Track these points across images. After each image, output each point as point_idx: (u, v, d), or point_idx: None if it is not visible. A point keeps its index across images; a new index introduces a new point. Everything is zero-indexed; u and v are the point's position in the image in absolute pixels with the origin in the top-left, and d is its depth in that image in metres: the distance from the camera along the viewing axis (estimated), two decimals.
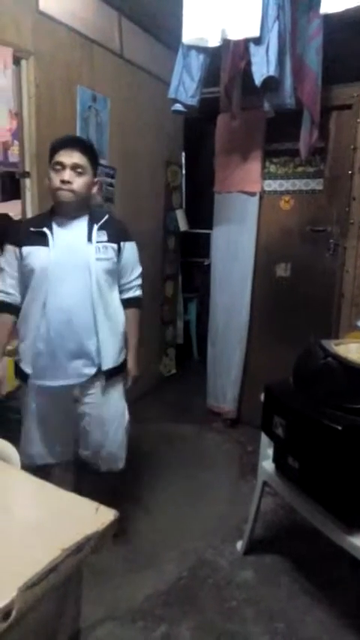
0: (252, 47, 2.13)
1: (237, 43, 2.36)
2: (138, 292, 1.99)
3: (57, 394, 1.85)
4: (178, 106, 2.45)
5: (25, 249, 1.78)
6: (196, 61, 2.33)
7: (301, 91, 2.53)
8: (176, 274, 4.30)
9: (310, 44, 2.55)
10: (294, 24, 2.36)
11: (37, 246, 1.76)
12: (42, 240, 1.76)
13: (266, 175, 3.17)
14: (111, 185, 3.24)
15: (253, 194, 3.13)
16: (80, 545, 0.80)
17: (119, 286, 1.93)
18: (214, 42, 2.20)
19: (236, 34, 2.13)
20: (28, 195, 2.57)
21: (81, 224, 1.81)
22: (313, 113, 2.63)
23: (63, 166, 1.74)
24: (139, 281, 1.99)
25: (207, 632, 1.69)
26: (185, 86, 2.32)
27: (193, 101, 2.38)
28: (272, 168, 3.17)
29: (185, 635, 1.68)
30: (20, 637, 0.73)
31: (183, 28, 2.21)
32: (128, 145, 3.35)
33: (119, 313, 1.92)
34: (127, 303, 1.95)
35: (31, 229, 1.80)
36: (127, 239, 1.90)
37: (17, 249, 1.80)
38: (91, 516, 0.87)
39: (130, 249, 1.91)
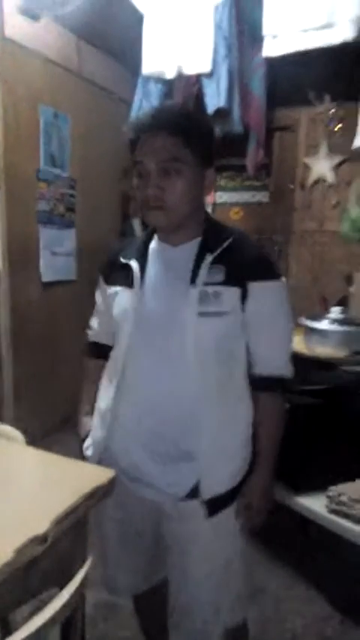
0: (204, 80, 2.43)
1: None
2: (282, 369, 1.19)
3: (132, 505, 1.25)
4: None
5: (111, 290, 1.25)
6: (155, 90, 2.60)
7: (248, 116, 2.85)
8: None
9: (255, 74, 2.88)
10: (241, 57, 2.68)
11: (120, 286, 1.21)
12: (126, 277, 1.19)
13: (217, 188, 3.48)
14: (72, 196, 3.44)
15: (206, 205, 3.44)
16: (92, 493, 1.04)
17: (249, 357, 1.18)
18: (170, 74, 2.48)
19: (191, 69, 2.41)
20: None
21: (185, 253, 1.15)
22: (258, 135, 2.96)
23: (146, 170, 1.10)
24: (286, 353, 1.21)
25: None
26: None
27: None
28: (222, 182, 3.50)
29: None
30: (51, 560, 0.96)
31: (142, 61, 2.47)
32: (88, 157, 3.57)
33: (242, 406, 1.19)
34: (260, 384, 1.19)
35: (121, 259, 1.22)
36: (259, 277, 1.13)
37: (103, 283, 1.31)
38: (98, 473, 1.11)
39: (263, 294, 1.13)
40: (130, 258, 1.20)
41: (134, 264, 1.18)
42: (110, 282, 1.25)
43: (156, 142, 1.07)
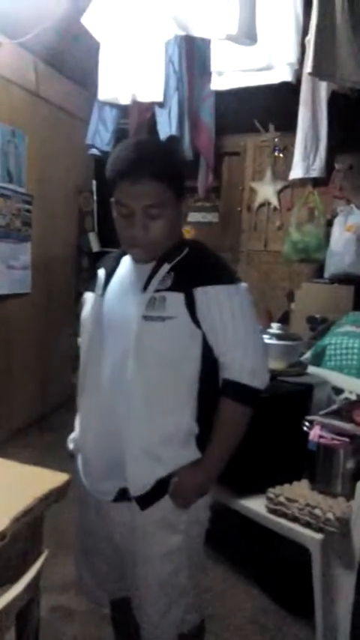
0: (157, 109, 2.59)
1: None
2: (244, 377, 1.18)
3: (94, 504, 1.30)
4: (94, 151, 2.85)
5: (85, 296, 1.33)
6: (110, 114, 2.74)
7: (198, 141, 3.04)
8: None
9: (204, 103, 3.07)
10: (190, 87, 2.86)
11: (91, 292, 1.30)
12: (95, 284, 1.28)
13: None
14: (28, 211, 3.52)
15: None
16: (47, 495, 1.14)
17: (218, 360, 1.20)
18: (125, 101, 2.62)
19: (144, 97, 2.57)
20: None
21: (149, 264, 1.21)
22: (208, 159, 3.15)
23: (129, 211, 1.15)
24: (252, 361, 1.18)
25: None
26: (101, 135, 2.72)
27: (108, 148, 2.80)
28: None
29: None
30: (8, 556, 1.06)
31: (98, 87, 2.60)
32: (44, 174, 3.66)
33: (180, 407, 1.20)
34: (223, 389, 1.20)
35: (99, 267, 1.32)
36: (207, 282, 1.15)
37: (86, 290, 1.36)
38: (52, 477, 1.22)
39: (211, 299, 1.15)
40: (101, 268, 1.29)
41: (101, 272, 1.27)
42: (87, 289, 1.32)
43: (139, 187, 1.11)
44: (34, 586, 1.02)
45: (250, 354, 1.18)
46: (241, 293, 1.19)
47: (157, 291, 1.15)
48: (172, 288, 1.14)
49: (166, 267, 1.17)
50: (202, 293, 1.14)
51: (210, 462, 1.21)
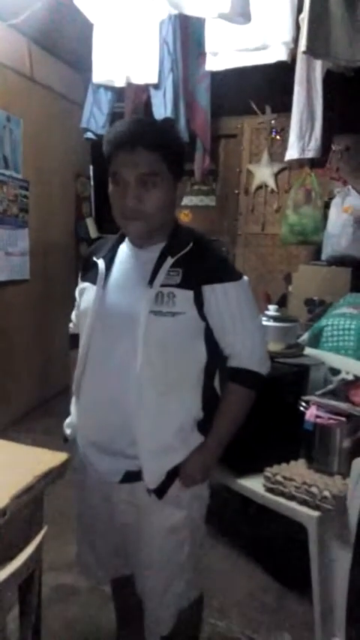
0: (152, 91, 2.57)
1: None
2: (252, 365, 1.26)
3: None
4: (89, 134, 2.83)
5: (81, 285, 1.33)
6: (105, 97, 2.72)
7: (194, 124, 3.01)
8: None
9: (200, 84, 3.04)
10: (185, 69, 2.84)
11: (89, 282, 1.29)
12: (95, 275, 1.27)
13: None
14: (25, 197, 3.51)
15: None
16: (46, 474, 1.17)
17: (224, 350, 1.27)
18: (120, 83, 2.60)
19: (139, 79, 2.55)
20: None
21: (150, 255, 1.23)
22: (204, 142, 3.13)
23: (124, 181, 1.17)
24: (259, 350, 1.27)
25: None
26: (96, 118, 2.71)
27: (103, 131, 2.78)
28: None
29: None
30: (9, 534, 1.09)
31: (93, 70, 2.58)
32: (40, 159, 3.64)
33: (189, 398, 1.26)
34: (229, 374, 1.28)
35: (93, 257, 1.30)
36: (215, 279, 1.20)
37: (79, 279, 1.36)
38: (51, 456, 1.24)
39: (222, 294, 1.20)
40: (99, 257, 1.28)
41: (101, 262, 1.26)
42: (83, 278, 1.33)
43: (134, 156, 1.14)
44: (35, 558, 1.04)
45: (258, 343, 1.27)
46: (245, 287, 1.25)
47: (164, 285, 1.18)
48: (182, 285, 1.18)
49: (169, 260, 1.19)
50: (210, 291, 1.19)
51: (216, 444, 1.27)
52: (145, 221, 1.18)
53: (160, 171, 1.17)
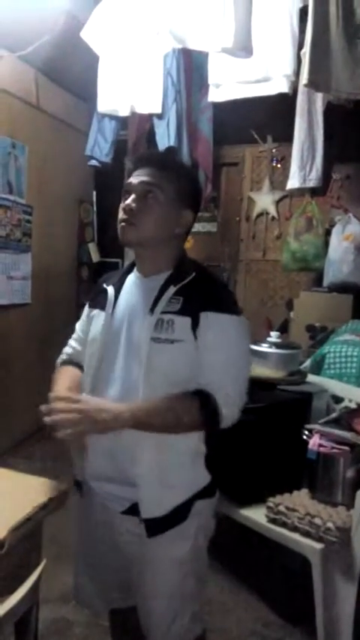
0: (155, 120, 2.62)
1: None
2: (222, 404, 1.15)
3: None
4: (93, 162, 2.87)
5: (91, 313, 1.35)
6: (109, 126, 2.77)
7: (196, 152, 3.06)
8: None
9: (202, 115, 3.10)
10: (189, 100, 2.90)
11: (98, 309, 1.31)
12: (104, 301, 1.29)
13: None
14: (28, 222, 3.54)
15: None
16: (45, 504, 1.14)
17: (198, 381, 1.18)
18: (124, 112, 2.65)
19: (142, 109, 2.60)
20: None
21: (154, 284, 1.24)
22: (207, 170, 3.17)
23: (129, 191, 1.23)
24: (230, 385, 1.18)
25: None
26: (100, 146, 2.75)
27: (107, 159, 2.83)
28: None
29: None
30: (7, 566, 1.06)
31: (98, 99, 2.63)
32: (44, 185, 3.68)
33: (190, 435, 1.20)
34: (198, 393, 1.16)
35: (103, 285, 1.34)
36: (212, 307, 1.18)
37: (87, 307, 1.38)
38: (51, 486, 1.22)
39: (211, 323, 1.17)
40: (109, 284, 1.31)
41: (110, 289, 1.29)
42: (92, 305, 1.35)
43: (145, 170, 1.23)
44: (33, 594, 1.01)
45: (235, 381, 1.18)
46: (242, 325, 1.22)
47: (165, 313, 1.18)
48: (181, 312, 1.17)
49: (172, 289, 1.20)
50: (205, 317, 1.17)
51: (137, 409, 1.13)
52: (136, 228, 1.20)
53: (163, 187, 1.21)
